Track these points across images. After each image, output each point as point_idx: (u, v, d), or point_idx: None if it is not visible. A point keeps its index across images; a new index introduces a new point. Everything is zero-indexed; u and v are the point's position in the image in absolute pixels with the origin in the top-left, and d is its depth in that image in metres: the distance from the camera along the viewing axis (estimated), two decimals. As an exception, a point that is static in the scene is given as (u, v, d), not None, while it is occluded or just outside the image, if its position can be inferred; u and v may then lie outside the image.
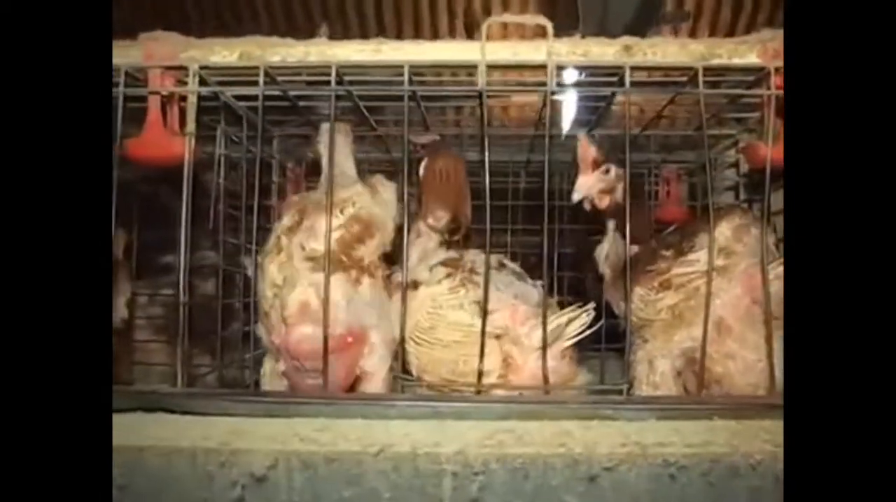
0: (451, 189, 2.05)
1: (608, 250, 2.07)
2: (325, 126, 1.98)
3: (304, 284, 1.72)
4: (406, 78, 1.64)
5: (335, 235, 1.72)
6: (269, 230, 1.96)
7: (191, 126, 1.66)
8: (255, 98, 1.70)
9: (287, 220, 1.85)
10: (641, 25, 2.92)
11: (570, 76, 1.78)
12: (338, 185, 1.82)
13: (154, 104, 1.70)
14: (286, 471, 1.31)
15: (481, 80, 1.63)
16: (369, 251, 1.83)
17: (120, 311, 1.98)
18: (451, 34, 4.24)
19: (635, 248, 2.09)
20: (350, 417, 1.39)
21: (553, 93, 1.65)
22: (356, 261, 1.79)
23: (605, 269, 2.08)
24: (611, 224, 2.10)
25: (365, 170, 2.21)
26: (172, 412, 1.51)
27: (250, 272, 1.98)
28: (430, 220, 1.98)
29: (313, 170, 2.43)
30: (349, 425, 1.36)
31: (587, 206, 2.05)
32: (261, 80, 1.65)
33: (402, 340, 1.72)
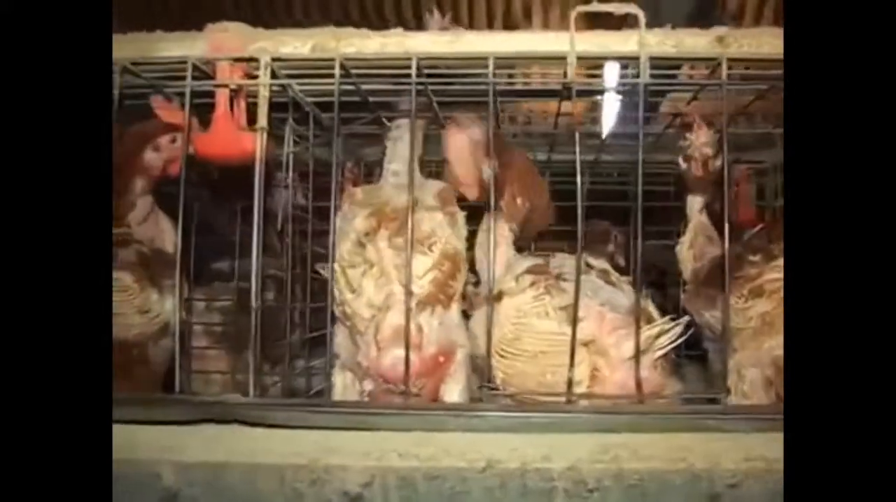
0: (529, 181, 1.96)
1: (691, 240, 1.97)
2: (398, 122, 1.90)
3: (400, 309, 1.61)
4: (490, 70, 1.55)
5: (429, 276, 1.67)
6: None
7: (262, 121, 1.57)
8: (321, 93, 1.62)
9: (362, 225, 1.75)
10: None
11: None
12: (402, 187, 1.75)
13: (223, 98, 1.61)
14: (382, 489, 1.21)
15: (570, 72, 1.54)
16: (460, 284, 1.77)
17: (176, 315, 1.88)
18: (490, 26, 4.19)
19: (714, 250, 2.00)
20: (443, 429, 1.30)
21: (647, 86, 1.54)
22: (449, 295, 1.70)
23: (688, 265, 1.97)
24: (696, 203, 1.99)
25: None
26: (245, 424, 1.41)
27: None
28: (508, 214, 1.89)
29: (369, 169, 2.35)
30: (449, 439, 1.26)
31: (683, 166, 1.95)
32: (336, 72, 1.56)
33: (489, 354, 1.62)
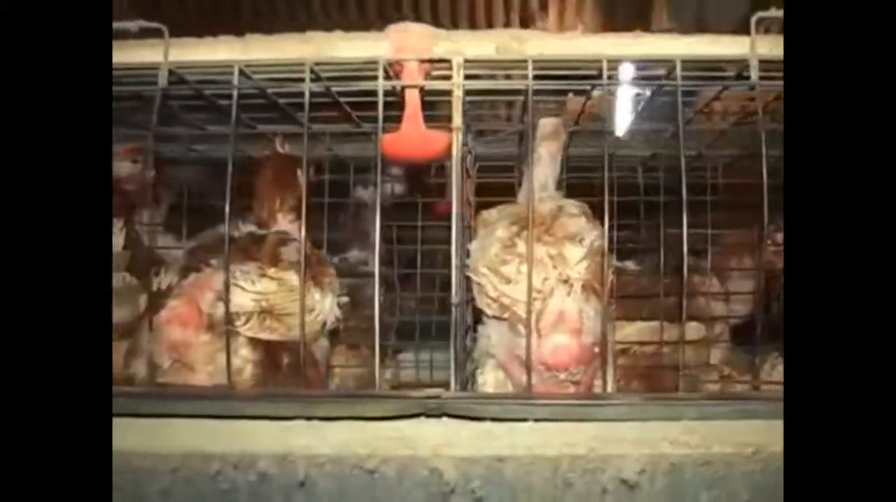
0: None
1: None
2: (543, 121, 1.94)
3: (560, 295, 1.67)
4: (605, 73, 1.59)
5: (584, 264, 1.71)
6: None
7: (457, 120, 1.60)
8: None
9: (505, 233, 1.79)
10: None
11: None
12: (543, 201, 1.82)
13: (412, 99, 1.62)
14: (650, 477, 1.28)
15: (679, 74, 1.58)
16: (607, 282, 1.79)
17: (334, 312, 1.89)
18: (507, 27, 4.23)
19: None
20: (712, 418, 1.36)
21: (752, 87, 1.58)
22: (601, 285, 1.76)
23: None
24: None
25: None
26: (457, 417, 1.44)
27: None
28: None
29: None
30: (714, 426, 1.33)
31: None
32: (529, 73, 1.60)
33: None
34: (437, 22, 4.09)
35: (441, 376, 2.45)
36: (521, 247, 1.74)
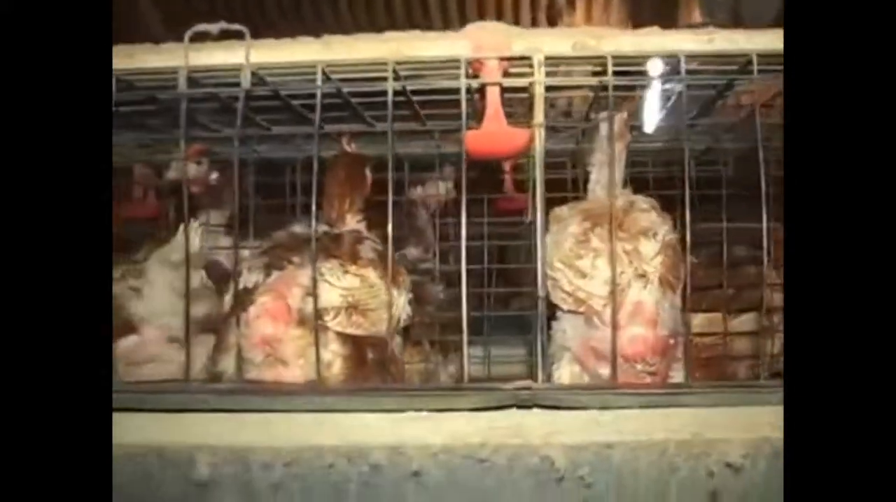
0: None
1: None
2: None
3: (637, 287, 1.71)
4: (682, 70, 1.64)
5: (659, 259, 1.76)
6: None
7: (539, 117, 1.63)
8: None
9: (578, 228, 1.83)
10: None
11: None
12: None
13: (493, 96, 1.65)
14: (754, 459, 1.32)
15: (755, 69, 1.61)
16: (682, 275, 1.83)
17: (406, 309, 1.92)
18: (534, 24, 4.27)
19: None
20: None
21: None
22: (677, 278, 1.79)
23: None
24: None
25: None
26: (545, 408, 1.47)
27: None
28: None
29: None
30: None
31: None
32: (609, 70, 1.63)
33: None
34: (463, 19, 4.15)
35: (500, 371, 2.49)
36: (595, 241, 1.77)
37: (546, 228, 1.88)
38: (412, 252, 2.56)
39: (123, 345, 2.04)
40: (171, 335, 2.07)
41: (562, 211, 1.95)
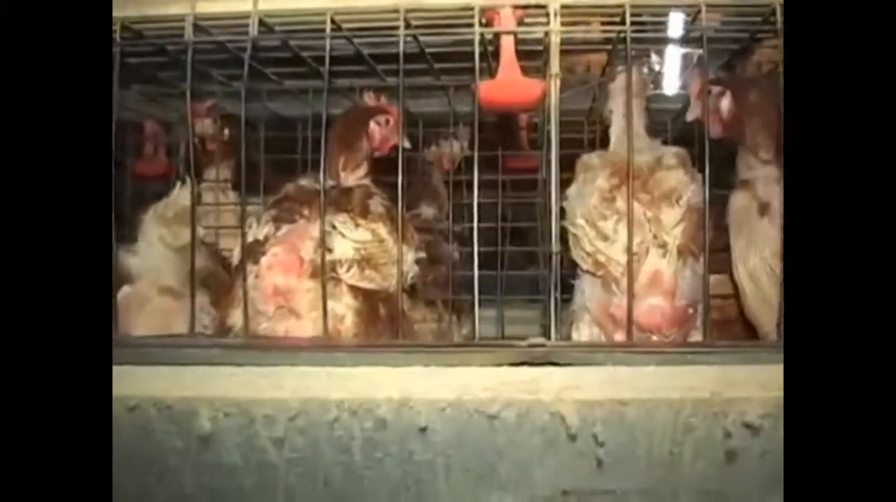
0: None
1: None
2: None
3: (655, 256, 1.67)
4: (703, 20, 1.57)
5: (680, 227, 1.72)
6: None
7: (555, 66, 1.57)
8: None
9: (605, 183, 1.77)
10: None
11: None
12: (641, 151, 1.78)
13: (508, 45, 1.59)
14: (774, 420, 1.27)
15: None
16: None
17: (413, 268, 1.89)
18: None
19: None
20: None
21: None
22: (699, 246, 1.72)
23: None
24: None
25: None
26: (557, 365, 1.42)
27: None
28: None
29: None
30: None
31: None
32: (627, 19, 1.56)
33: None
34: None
35: (514, 331, 2.44)
36: (620, 202, 1.72)
37: (571, 177, 1.83)
38: (426, 211, 2.52)
39: (118, 296, 2.02)
40: (162, 285, 2.07)
41: (591, 159, 1.89)
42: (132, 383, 1.33)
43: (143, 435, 1.33)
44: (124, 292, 2.02)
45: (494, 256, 2.46)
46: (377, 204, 1.82)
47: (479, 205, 1.67)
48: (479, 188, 1.66)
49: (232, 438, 1.33)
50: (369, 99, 2.03)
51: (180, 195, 2.00)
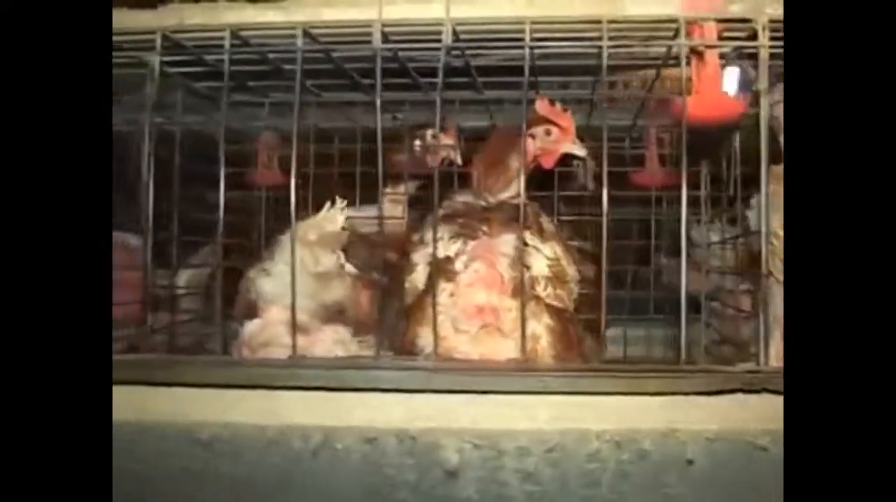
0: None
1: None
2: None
3: None
4: None
5: None
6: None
7: (764, 82, 1.52)
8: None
9: None
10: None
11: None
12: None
13: (712, 60, 1.54)
14: None
15: None
16: None
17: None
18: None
19: None
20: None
21: None
22: None
23: None
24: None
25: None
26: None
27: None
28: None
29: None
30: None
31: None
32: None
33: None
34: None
35: (634, 352, 2.39)
36: None
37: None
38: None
39: (248, 329, 1.84)
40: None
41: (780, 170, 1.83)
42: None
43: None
44: (256, 325, 1.82)
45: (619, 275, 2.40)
46: (547, 221, 1.75)
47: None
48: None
49: (474, 471, 1.26)
50: (541, 107, 1.92)
51: (327, 217, 1.75)
